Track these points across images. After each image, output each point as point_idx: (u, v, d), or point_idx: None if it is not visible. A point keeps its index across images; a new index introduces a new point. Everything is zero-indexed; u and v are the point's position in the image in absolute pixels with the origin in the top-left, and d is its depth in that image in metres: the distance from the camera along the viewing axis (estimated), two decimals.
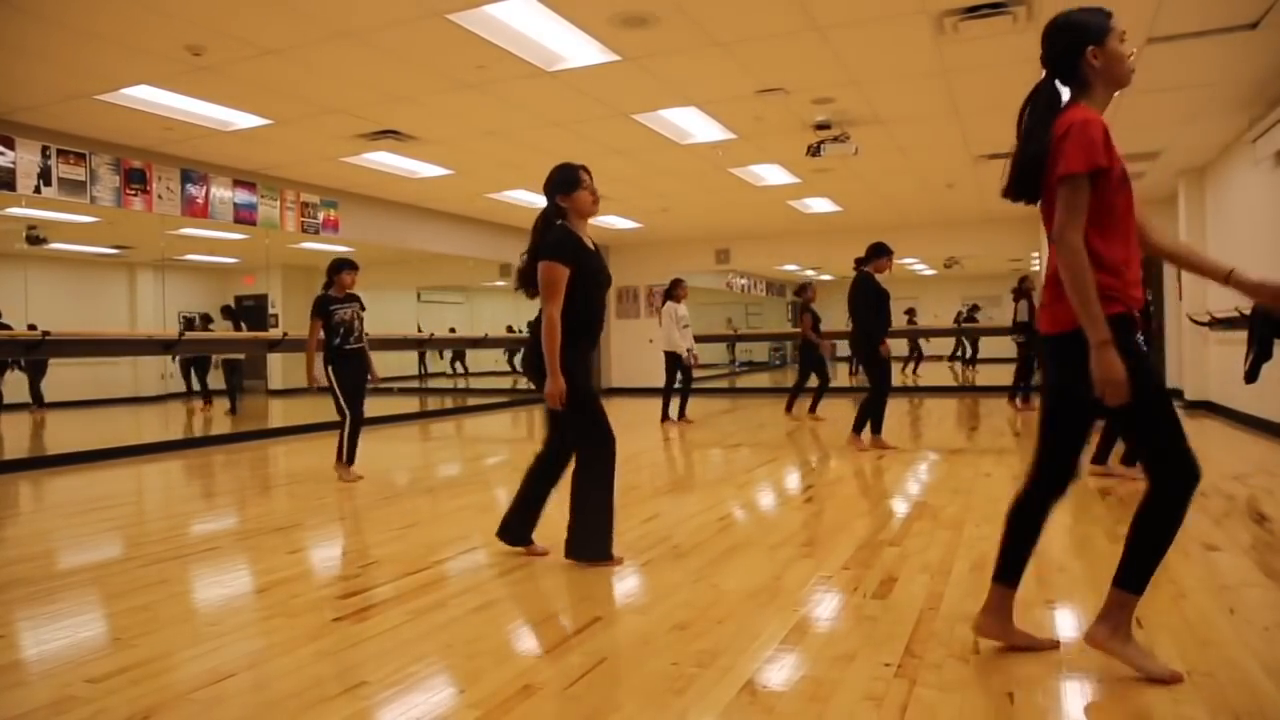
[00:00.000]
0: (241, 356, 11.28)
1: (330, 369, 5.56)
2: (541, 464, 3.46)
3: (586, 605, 2.84)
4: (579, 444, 3.30)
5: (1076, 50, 2.10)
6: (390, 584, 3.12)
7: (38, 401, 10.64)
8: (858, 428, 6.59)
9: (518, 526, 3.48)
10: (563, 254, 3.18)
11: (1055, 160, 2.03)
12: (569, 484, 3.32)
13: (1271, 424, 6.76)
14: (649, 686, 2.15)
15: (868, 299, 6.53)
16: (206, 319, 11.22)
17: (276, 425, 9.56)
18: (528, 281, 3.28)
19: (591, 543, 3.29)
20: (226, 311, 11.32)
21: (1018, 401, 9.93)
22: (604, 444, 3.28)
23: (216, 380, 11.72)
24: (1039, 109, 2.13)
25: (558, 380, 3.15)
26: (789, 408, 9.57)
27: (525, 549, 3.48)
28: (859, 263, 6.65)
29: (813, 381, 9.42)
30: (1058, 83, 2.15)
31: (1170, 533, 2.05)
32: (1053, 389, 2.23)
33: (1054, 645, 2.30)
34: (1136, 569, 2.07)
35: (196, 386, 12.01)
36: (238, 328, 11.01)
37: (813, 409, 9.34)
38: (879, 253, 6.57)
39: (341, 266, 5.62)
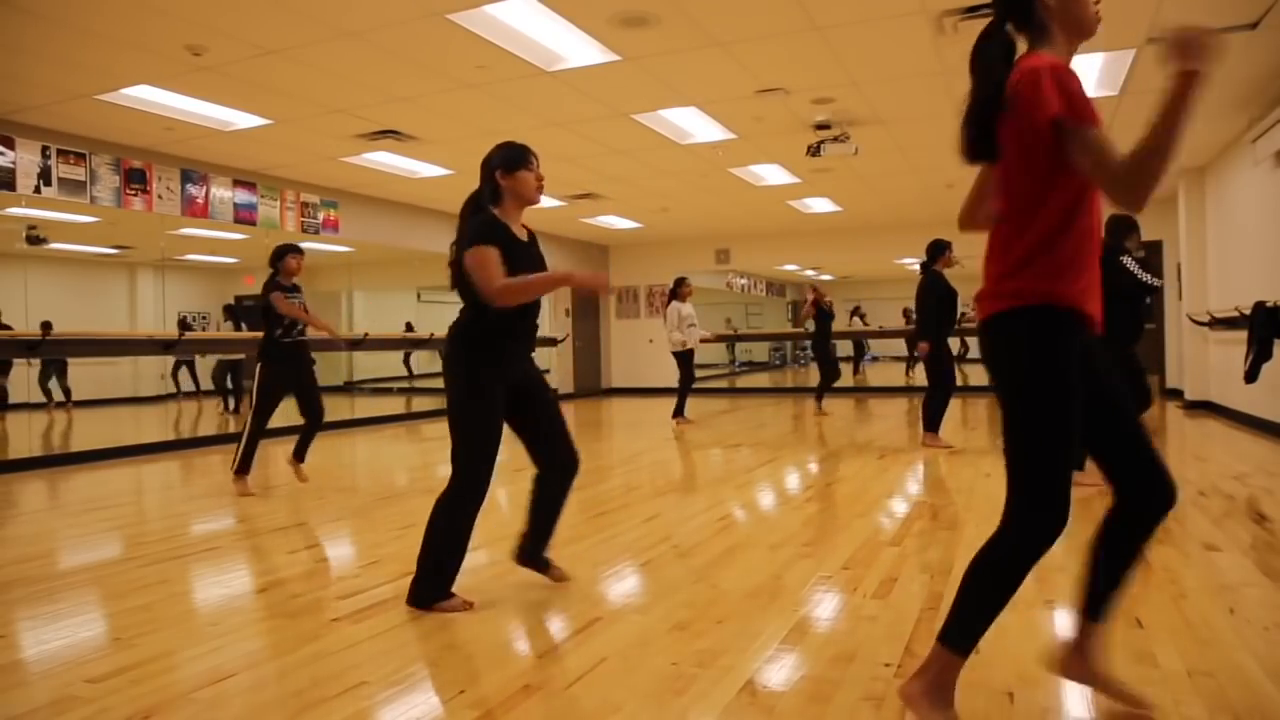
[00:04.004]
0: (241, 356, 11.24)
1: (259, 366, 5.18)
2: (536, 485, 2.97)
3: (586, 605, 2.84)
4: (453, 469, 2.76)
5: None
6: (390, 584, 3.12)
7: (50, 396, 10.64)
8: (930, 425, 6.62)
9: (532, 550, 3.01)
10: (487, 237, 2.71)
11: (1026, 110, 1.67)
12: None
13: (1271, 424, 6.76)
14: (649, 686, 2.15)
15: (937, 298, 6.54)
16: (203, 319, 11.16)
17: (276, 425, 9.54)
18: (461, 276, 2.79)
19: (426, 586, 2.80)
20: (228, 311, 11.29)
21: None
22: (473, 489, 2.75)
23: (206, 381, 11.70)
24: (991, 52, 1.80)
25: (557, 277, 2.75)
26: (819, 401, 9.65)
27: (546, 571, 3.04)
28: (925, 265, 6.65)
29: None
30: (1010, 28, 1.82)
31: (1009, 583, 1.76)
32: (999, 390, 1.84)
33: (1146, 708, 1.89)
34: (959, 623, 1.80)
35: (190, 388, 12.02)
36: (238, 328, 10.99)
37: (818, 400, 9.61)
38: (941, 249, 6.59)
39: (286, 251, 5.23)
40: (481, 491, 2.77)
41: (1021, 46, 1.82)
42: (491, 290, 2.64)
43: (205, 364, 11.75)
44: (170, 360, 12.06)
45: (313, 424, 5.37)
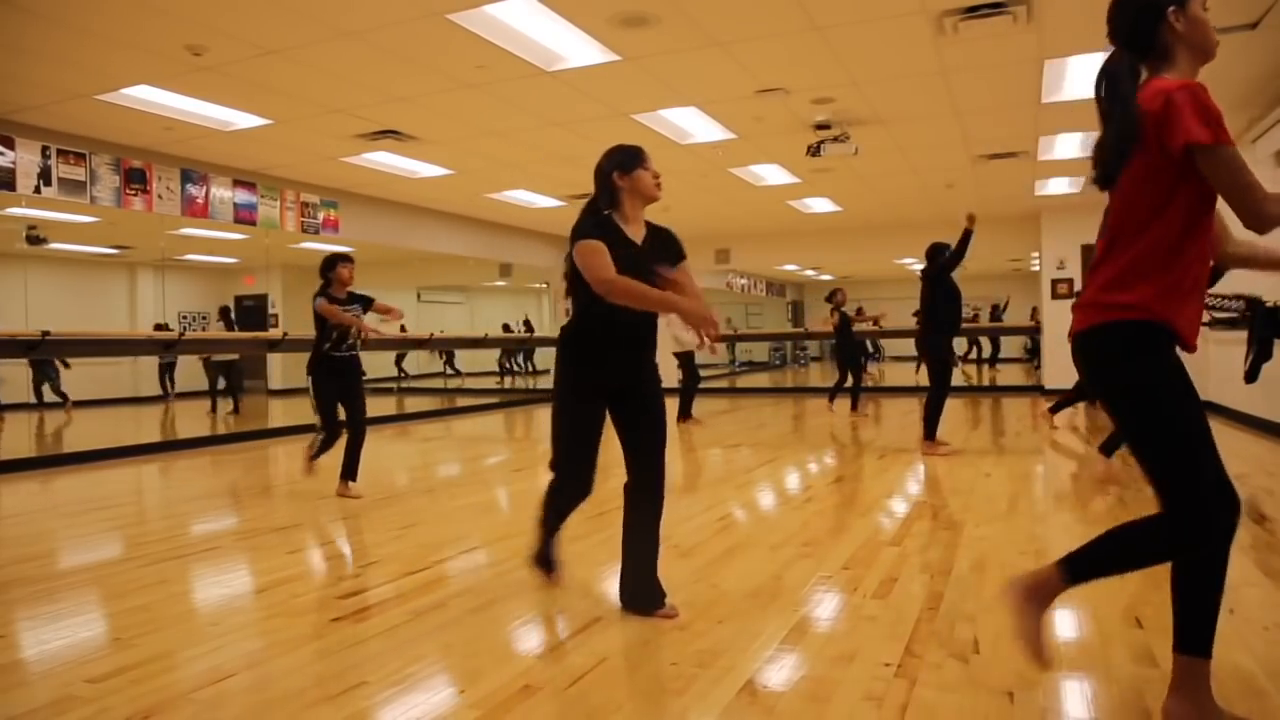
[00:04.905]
0: (235, 357, 11.18)
1: (311, 379, 4.99)
2: (625, 508, 2.85)
3: (586, 605, 2.84)
4: (553, 465, 2.84)
5: (1155, 13, 1.80)
6: (390, 584, 3.12)
7: (41, 398, 10.64)
8: (930, 434, 6.35)
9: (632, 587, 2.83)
10: (591, 233, 2.67)
11: (1158, 132, 1.70)
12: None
13: (1271, 424, 6.76)
14: (649, 686, 2.15)
15: (944, 296, 6.39)
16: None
17: (276, 425, 9.56)
18: (571, 281, 2.78)
19: (537, 549, 2.95)
20: (223, 312, 11.22)
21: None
22: (565, 480, 2.82)
23: (198, 381, 11.61)
24: (1124, 84, 1.81)
25: (670, 301, 2.60)
26: (854, 407, 9.46)
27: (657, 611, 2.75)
28: (927, 267, 6.48)
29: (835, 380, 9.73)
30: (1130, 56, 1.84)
31: (1134, 563, 1.82)
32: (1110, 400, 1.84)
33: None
34: (1086, 563, 1.85)
35: (179, 389, 12.02)
36: (230, 328, 10.90)
37: (830, 399, 9.64)
38: (941, 251, 6.44)
39: (336, 262, 4.98)
40: (573, 484, 2.80)
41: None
42: (601, 281, 2.58)
43: (196, 367, 11.69)
44: (155, 364, 12.05)
45: (355, 436, 5.03)
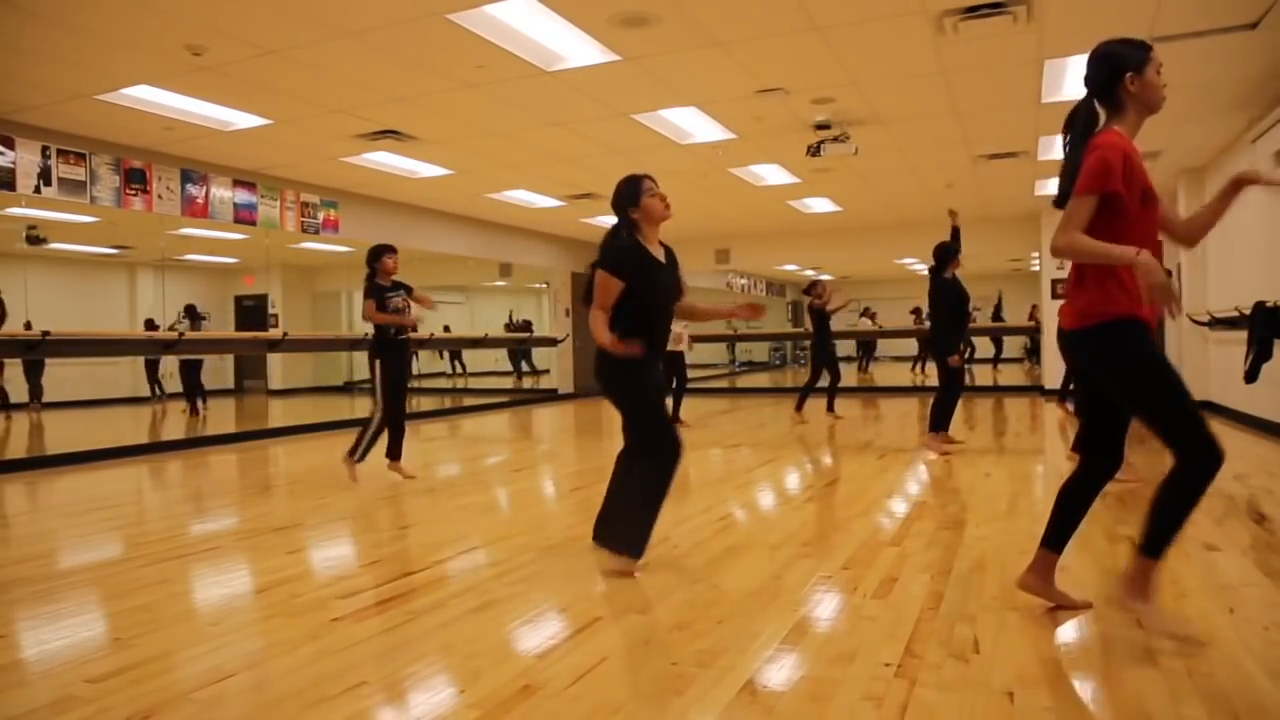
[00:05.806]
0: (199, 358, 11.10)
1: (379, 362, 5.35)
2: (620, 464, 3.45)
3: (586, 605, 2.84)
4: (643, 445, 3.29)
5: (1117, 76, 2.32)
6: (390, 584, 3.12)
7: (36, 397, 10.62)
8: (934, 427, 6.35)
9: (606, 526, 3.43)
10: (619, 266, 3.17)
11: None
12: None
13: (1271, 424, 6.76)
14: (649, 686, 2.15)
15: (950, 300, 6.33)
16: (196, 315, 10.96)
17: (276, 425, 9.56)
18: (588, 293, 3.25)
19: (626, 535, 3.22)
20: (188, 311, 11.10)
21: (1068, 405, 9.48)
22: (665, 449, 3.22)
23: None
24: (1078, 128, 2.38)
25: (604, 339, 3.12)
26: (799, 406, 9.21)
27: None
28: (934, 270, 6.43)
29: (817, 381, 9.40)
30: (1096, 103, 2.40)
31: (1186, 510, 2.27)
32: (1085, 379, 2.53)
33: (1087, 605, 2.62)
34: (1155, 538, 2.30)
35: (171, 389, 11.95)
36: (196, 327, 10.83)
37: (829, 407, 9.34)
38: (951, 253, 6.37)
39: (382, 251, 5.39)
40: (675, 450, 3.23)
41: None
42: (594, 308, 3.17)
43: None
44: (166, 361, 11.98)
45: (377, 421, 5.48)
